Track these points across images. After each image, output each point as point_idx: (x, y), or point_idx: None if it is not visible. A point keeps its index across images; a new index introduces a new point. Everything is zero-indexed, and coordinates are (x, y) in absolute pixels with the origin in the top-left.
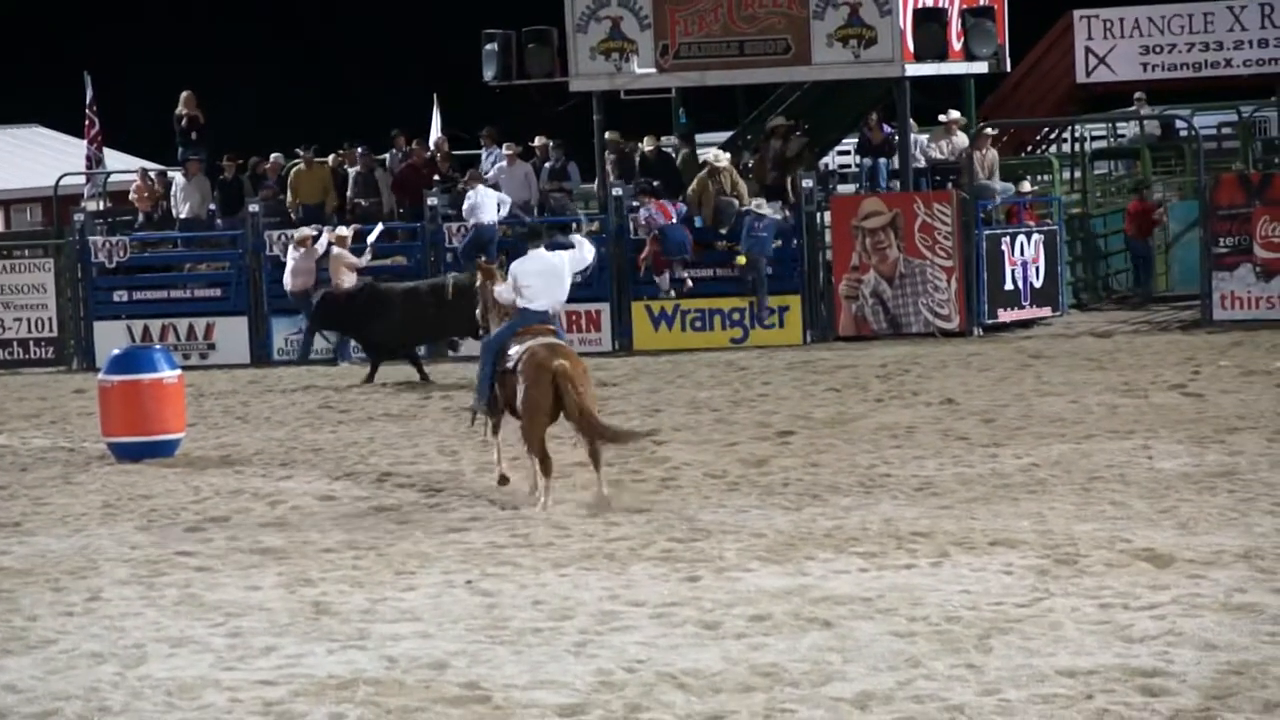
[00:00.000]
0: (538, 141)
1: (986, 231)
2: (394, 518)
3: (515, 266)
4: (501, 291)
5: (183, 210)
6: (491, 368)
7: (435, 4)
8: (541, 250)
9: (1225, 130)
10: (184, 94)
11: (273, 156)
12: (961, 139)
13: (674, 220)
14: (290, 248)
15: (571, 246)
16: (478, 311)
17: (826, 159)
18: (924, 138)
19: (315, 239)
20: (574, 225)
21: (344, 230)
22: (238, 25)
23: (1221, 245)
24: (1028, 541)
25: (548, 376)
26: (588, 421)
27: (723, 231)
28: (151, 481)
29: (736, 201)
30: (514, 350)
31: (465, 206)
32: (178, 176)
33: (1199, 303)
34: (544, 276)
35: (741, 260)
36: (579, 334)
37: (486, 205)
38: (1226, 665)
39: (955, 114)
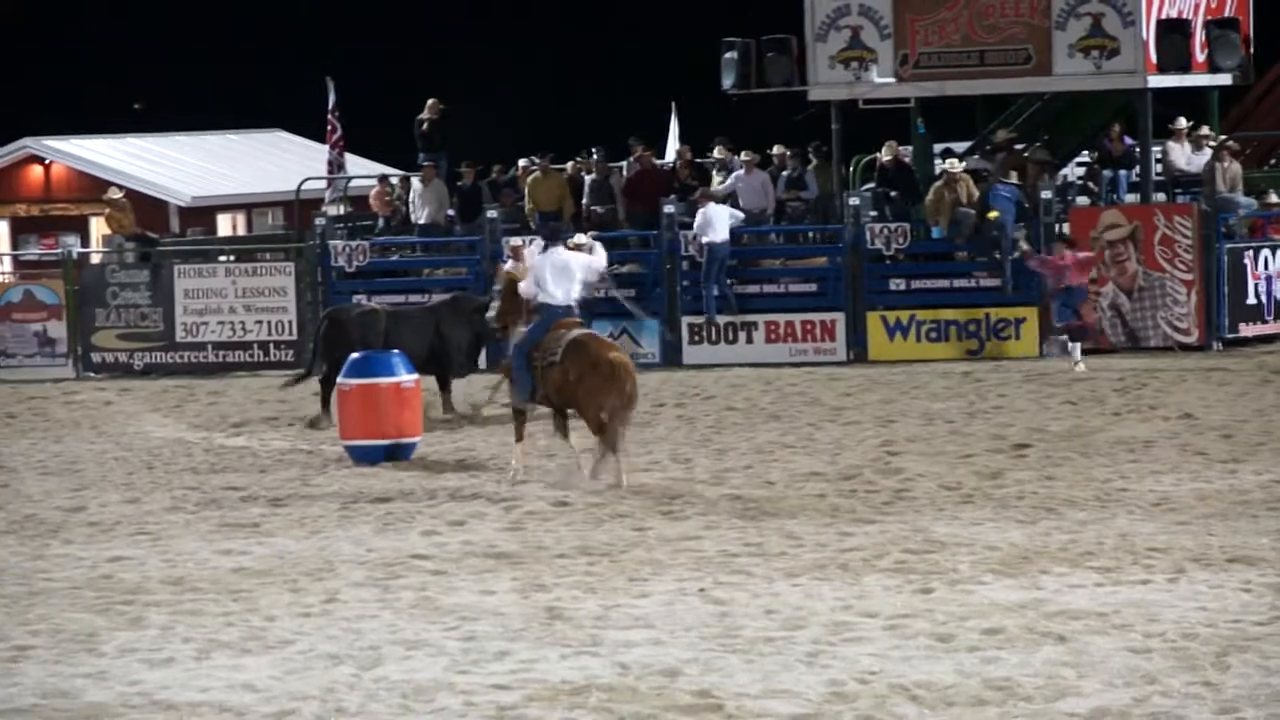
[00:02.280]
0: (775, 150)
1: (1228, 245)
2: (627, 524)
3: (536, 260)
4: (525, 286)
5: (421, 216)
6: (527, 361)
7: (675, 13)
8: (560, 248)
9: None
10: (429, 101)
11: (520, 163)
12: (1203, 151)
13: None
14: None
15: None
16: (494, 306)
17: (1065, 170)
18: (1173, 145)
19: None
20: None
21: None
22: (481, 34)
23: None
24: (1267, 559)
25: (607, 366)
26: (628, 411)
27: (959, 242)
28: (388, 484)
29: (973, 212)
30: (554, 344)
31: (697, 224)
32: (415, 182)
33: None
34: (558, 272)
35: (993, 215)
36: (813, 343)
37: (718, 223)
38: None
39: (1183, 121)
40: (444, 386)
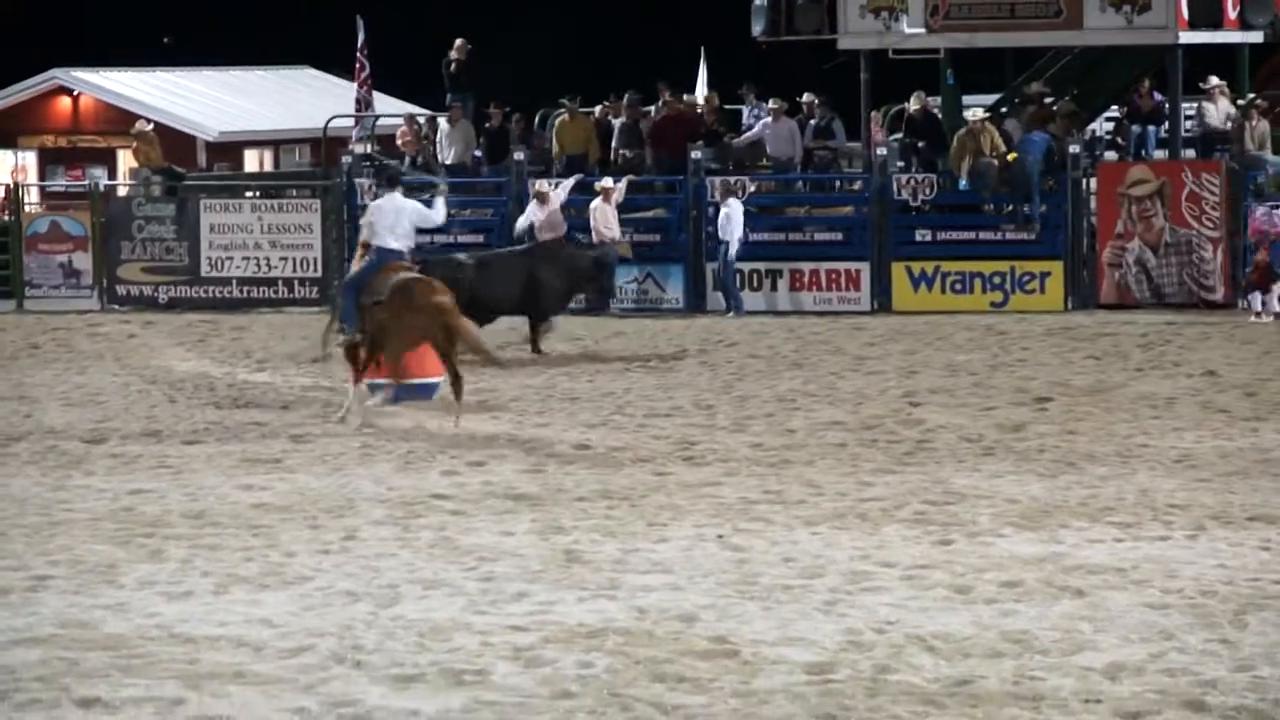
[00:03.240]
0: (804, 99)
1: (1256, 204)
2: (648, 469)
3: (371, 204)
4: (363, 230)
5: (447, 156)
6: (355, 301)
7: None
8: (396, 194)
9: None
10: (457, 41)
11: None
12: (1228, 106)
13: None
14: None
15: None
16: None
17: (1094, 125)
18: (1208, 105)
19: (552, 191)
20: (438, 186)
21: (608, 182)
22: None
23: None
24: None
25: (429, 307)
26: (474, 344)
27: (983, 194)
28: (409, 424)
29: (996, 162)
30: (381, 284)
31: (719, 222)
32: (443, 122)
33: None
34: (392, 217)
35: (1011, 156)
36: (838, 292)
37: (735, 222)
38: None
39: (1215, 79)
40: (534, 328)
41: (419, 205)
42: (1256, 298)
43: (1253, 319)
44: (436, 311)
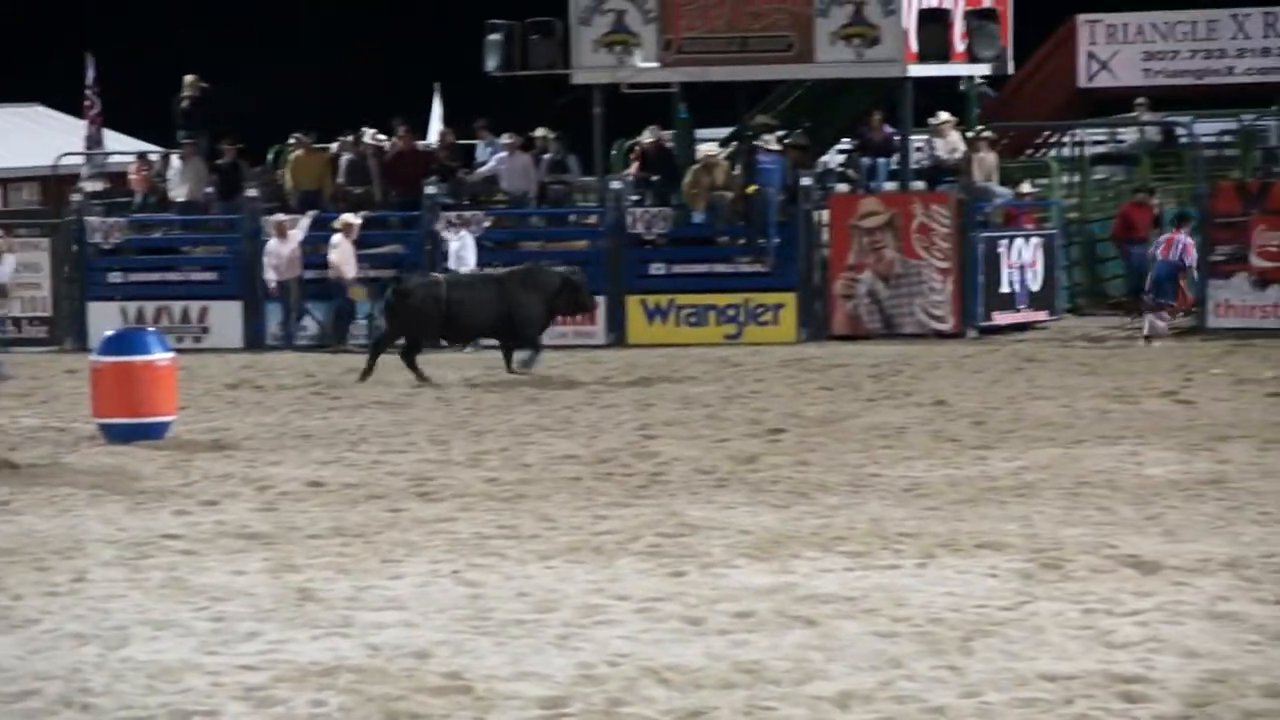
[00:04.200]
0: (539, 133)
1: (984, 234)
2: (382, 505)
3: None
4: None
5: (179, 193)
6: None
7: None
8: None
9: (1225, 138)
10: (189, 77)
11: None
12: (957, 139)
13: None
14: (272, 239)
15: None
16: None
17: (826, 157)
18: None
19: (292, 226)
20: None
21: (350, 218)
22: (241, 10)
23: (1218, 253)
24: (1014, 545)
25: None
26: None
27: (718, 226)
28: (141, 464)
29: (729, 195)
30: None
31: (450, 253)
32: (174, 160)
33: (1194, 310)
34: None
35: (751, 189)
36: (573, 326)
37: (467, 253)
38: (1208, 673)
39: (945, 115)
40: (507, 354)
41: None
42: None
43: (1145, 342)
44: None
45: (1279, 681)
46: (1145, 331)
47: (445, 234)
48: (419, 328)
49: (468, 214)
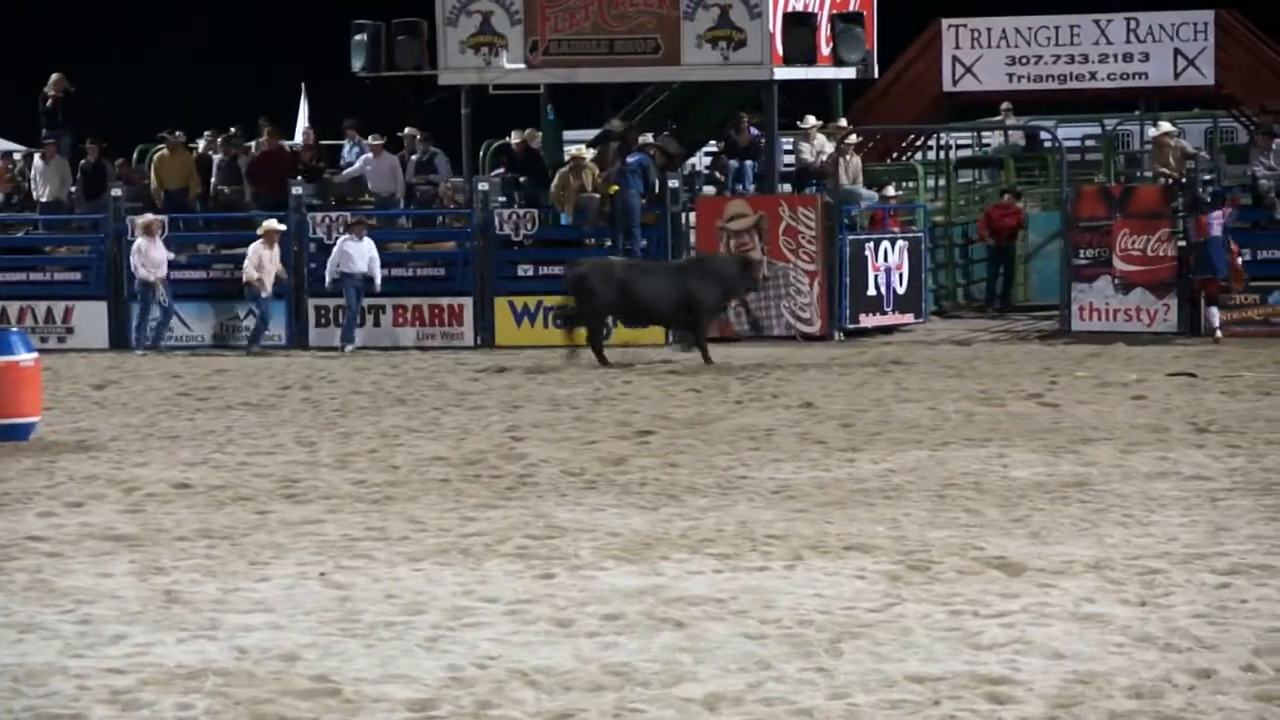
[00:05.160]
0: (406, 134)
1: (850, 237)
2: (249, 507)
3: None
4: None
5: (42, 193)
6: None
7: None
8: None
9: (1089, 143)
10: (54, 76)
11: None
12: (824, 142)
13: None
14: (139, 237)
15: None
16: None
17: (693, 159)
18: (804, 142)
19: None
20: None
21: (273, 224)
22: (108, 10)
23: (1082, 257)
24: (881, 547)
25: None
26: None
27: (585, 229)
28: (5, 465)
29: (597, 197)
30: None
31: (336, 256)
32: (37, 159)
33: (1058, 313)
34: None
35: (612, 189)
36: (441, 327)
37: (358, 258)
38: (1073, 674)
39: (812, 119)
40: (683, 338)
41: None
42: (1214, 313)
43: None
44: None
45: (1143, 683)
46: (1214, 325)
47: (346, 237)
48: (595, 307)
49: (334, 214)
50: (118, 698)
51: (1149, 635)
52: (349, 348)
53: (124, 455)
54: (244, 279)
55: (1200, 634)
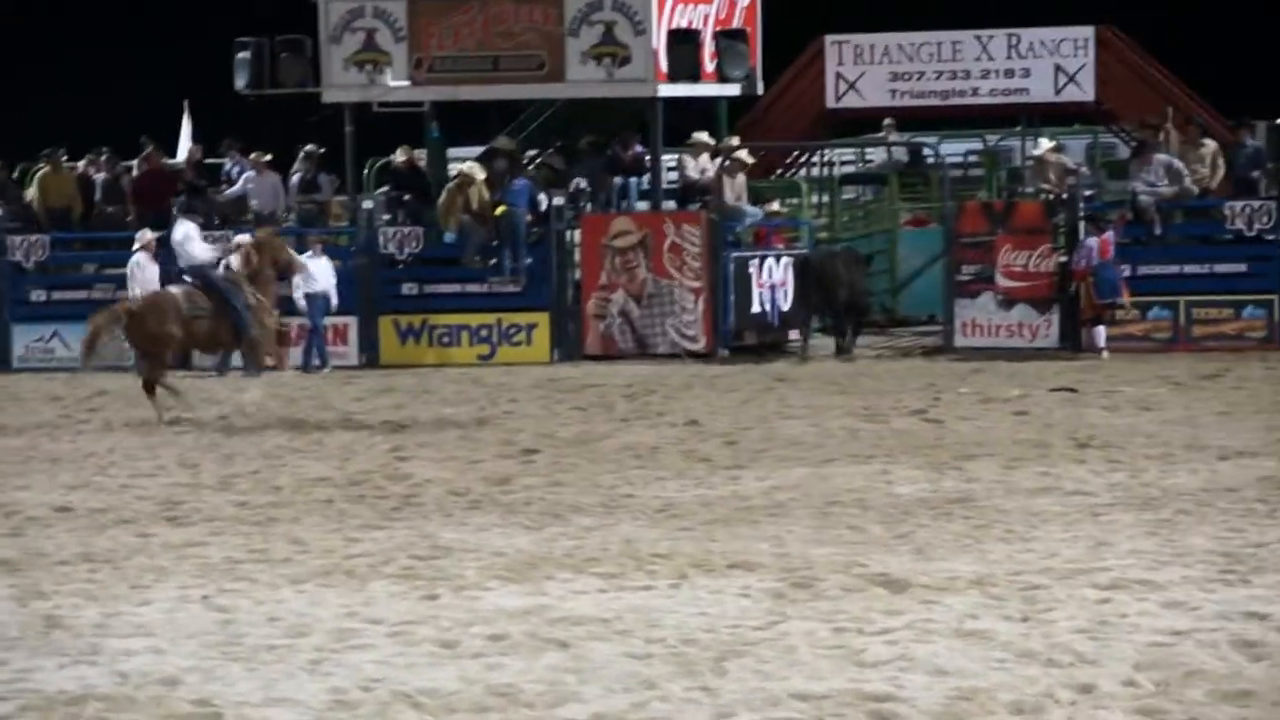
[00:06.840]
0: (306, 150)
1: (735, 254)
2: (131, 530)
3: None
4: None
5: None
6: None
7: (190, 10)
8: None
9: (971, 158)
10: None
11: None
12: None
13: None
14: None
15: None
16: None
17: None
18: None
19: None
20: None
21: (147, 234)
22: None
23: (964, 273)
24: (765, 565)
25: None
26: None
27: (472, 256)
28: None
29: (482, 226)
30: None
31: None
32: None
33: (941, 329)
34: None
35: (499, 210)
36: (326, 346)
37: (321, 276)
38: (956, 691)
39: (702, 135)
40: (841, 334)
41: None
42: (1100, 332)
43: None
44: None
45: (1025, 698)
46: (1100, 344)
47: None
48: (825, 298)
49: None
50: None
51: (1031, 651)
52: (325, 370)
53: (4, 478)
54: (131, 294)
55: (1081, 649)
